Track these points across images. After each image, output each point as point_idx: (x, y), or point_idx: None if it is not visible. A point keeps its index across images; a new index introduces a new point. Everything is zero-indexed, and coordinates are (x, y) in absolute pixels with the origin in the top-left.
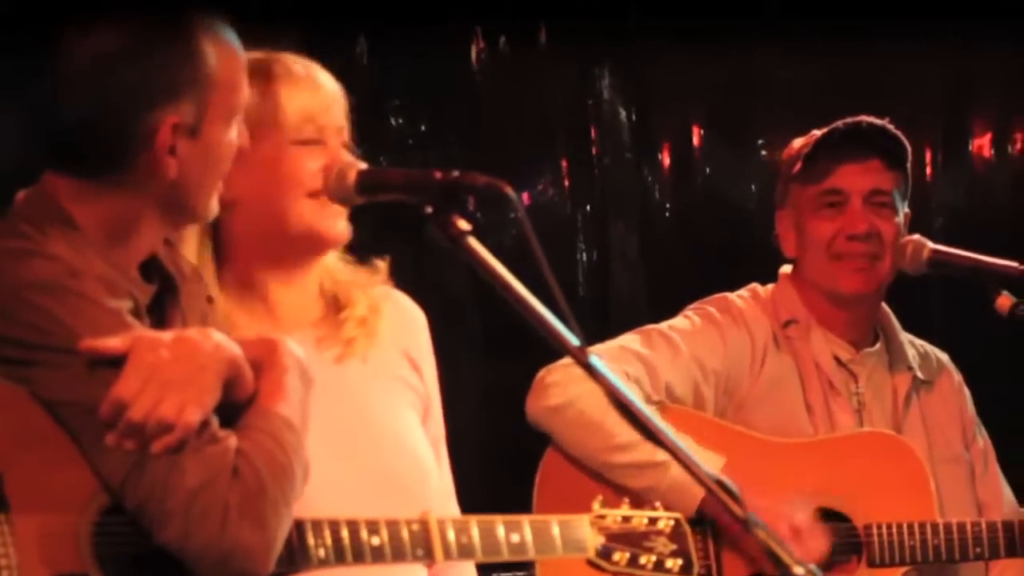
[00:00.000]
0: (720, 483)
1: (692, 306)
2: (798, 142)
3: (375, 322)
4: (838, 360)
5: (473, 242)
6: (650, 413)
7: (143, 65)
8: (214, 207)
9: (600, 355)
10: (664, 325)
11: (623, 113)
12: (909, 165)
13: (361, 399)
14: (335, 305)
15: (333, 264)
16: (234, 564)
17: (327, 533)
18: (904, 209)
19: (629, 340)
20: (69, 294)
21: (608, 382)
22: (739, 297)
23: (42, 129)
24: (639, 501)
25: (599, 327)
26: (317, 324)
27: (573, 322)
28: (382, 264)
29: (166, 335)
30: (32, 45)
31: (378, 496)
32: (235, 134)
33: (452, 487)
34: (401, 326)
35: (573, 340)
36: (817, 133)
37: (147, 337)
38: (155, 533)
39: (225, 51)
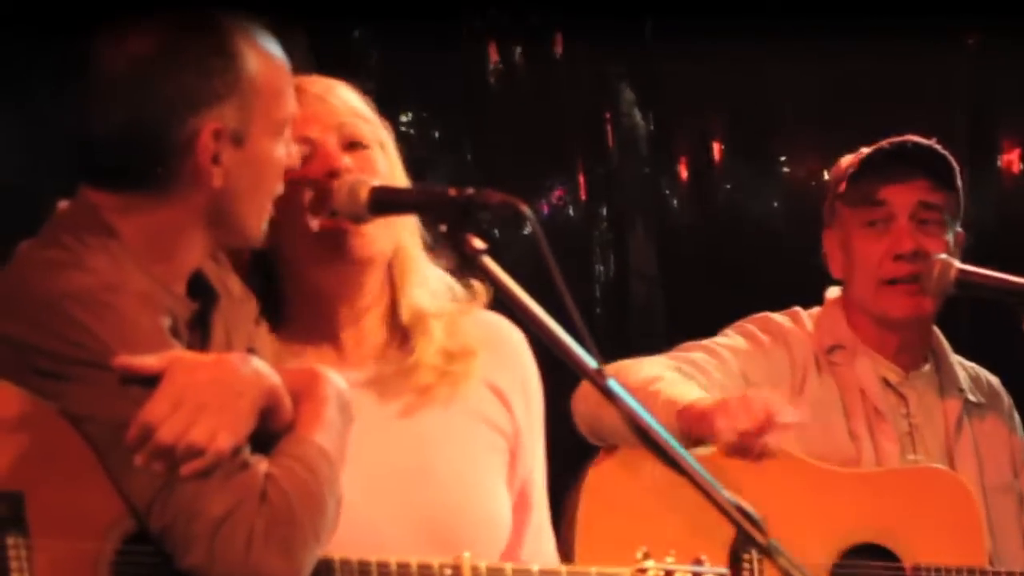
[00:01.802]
0: (741, 509)
1: (731, 325)
2: (845, 160)
3: (465, 366)
4: (886, 382)
5: (488, 261)
6: (669, 436)
7: (179, 69)
8: (264, 231)
9: (645, 364)
10: (705, 341)
11: (641, 125)
12: (960, 184)
13: (421, 453)
14: (405, 339)
15: (417, 290)
16: None
17: (356, 573)
18: (956, 228)
19: (672, 353)
20: (106, 308)
21: (626, 405)
22: (780, 316)
23: (77, 144)
24: (685, 553)
25: (617, 345)
26: (380, 362)
27: (591, 343)
28: (480, 287)
29: (205, 358)
30: (62, 56)
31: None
32: (283, 151)
33: (543, 524)
34: (490, 357)
35: (591, 362)
36: (864, 150)
37: (184, 359)
38: (179, 558)
39: (266, 58)
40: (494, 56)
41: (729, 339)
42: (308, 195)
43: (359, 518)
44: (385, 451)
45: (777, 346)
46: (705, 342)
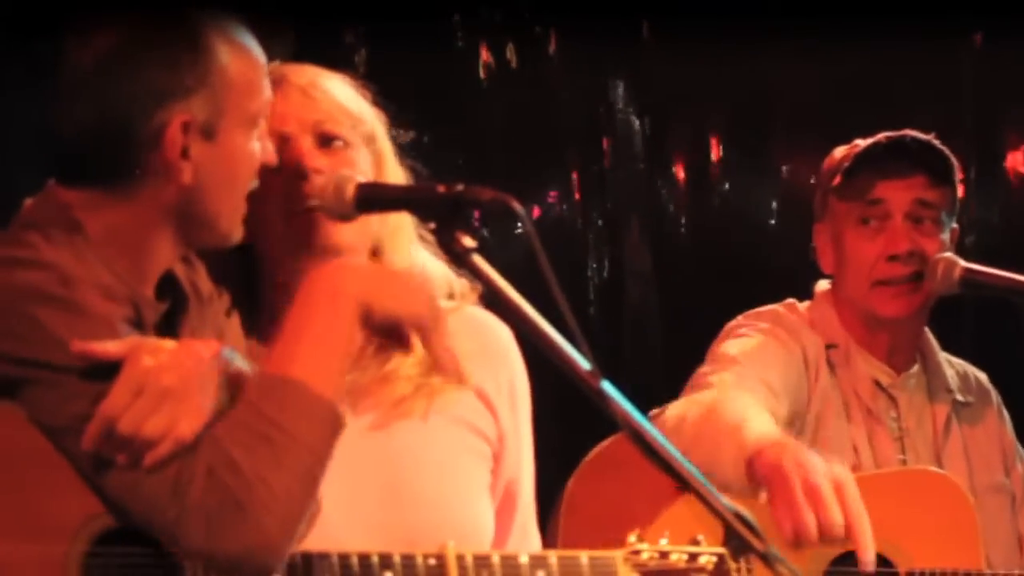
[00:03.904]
0: (739, 515)
1: (741, 321)
2: (840, 151)
3: (443, 378)
4: (878, 384)
5: (479, 260)
6: (668, 443)
7: (145, 62)
8: (239, 229)
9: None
10: (721, 348)
11: (637, 123)
12: (958, 181)
13: (393, 469)
14: (383, 344)
15: None
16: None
17: (336, 566)
18: (952, 225)
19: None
20: (64, 303)
21: (622, 410)
22: (786, 308)
23: (46, 139)
24: (680, 534)
25: (611, 347)
26: (355, 370)
27: (584, 344)
28: (469, 285)
29: (167, 343)
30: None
31: None
32: (257, 146)
33: (528, 524)
34: (477, 360)
35: (584, 364)
36: (859, 143)
37: (146, 344)
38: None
39: (238, 49)
40: (486, 55)
41: (743, 341)
42: (277, 193)
43: (335, 535)
44: (355, 468)
45: (793, 341)
46: (722, 351)
